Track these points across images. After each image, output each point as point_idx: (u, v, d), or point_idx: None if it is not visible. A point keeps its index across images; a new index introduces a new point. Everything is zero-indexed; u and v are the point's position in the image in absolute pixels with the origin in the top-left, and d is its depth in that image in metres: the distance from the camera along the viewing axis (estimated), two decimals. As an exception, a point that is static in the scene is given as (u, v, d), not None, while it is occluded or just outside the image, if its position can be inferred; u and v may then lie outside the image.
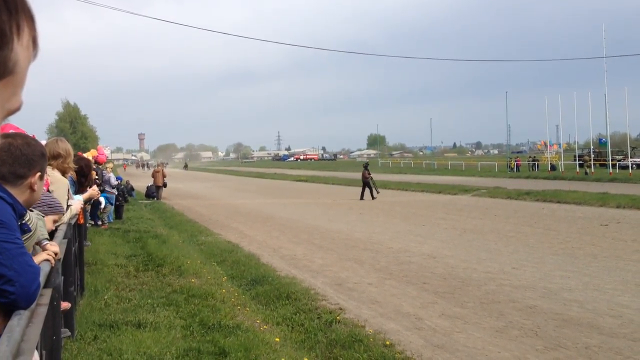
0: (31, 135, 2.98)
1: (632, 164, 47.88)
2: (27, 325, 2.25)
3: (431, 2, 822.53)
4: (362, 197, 29.00)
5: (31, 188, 2.45)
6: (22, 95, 0.79)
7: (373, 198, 28.72)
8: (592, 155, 49.96)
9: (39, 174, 2.47)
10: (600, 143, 56.36)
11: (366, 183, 29.19)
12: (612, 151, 49.98)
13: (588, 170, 47.15)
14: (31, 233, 2.92)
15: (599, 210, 21.61)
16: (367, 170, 29.52)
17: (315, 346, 6.66)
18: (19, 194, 2.38)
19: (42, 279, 2.84)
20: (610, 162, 46.67)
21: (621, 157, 53.80)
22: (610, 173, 43.97)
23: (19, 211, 2.30)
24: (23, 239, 2.41)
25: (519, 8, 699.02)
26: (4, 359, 1.76)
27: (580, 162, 49.48)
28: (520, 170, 59.03)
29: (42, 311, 2.91)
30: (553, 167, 54.26)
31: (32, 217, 3.01)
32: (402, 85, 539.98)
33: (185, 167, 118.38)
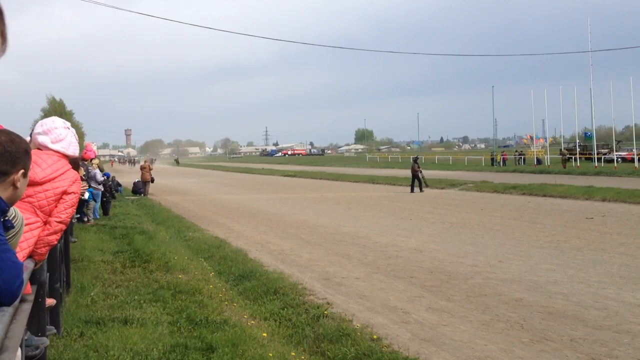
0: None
1: (617, 158, 48.29)
2: (10, 322, 2.24)
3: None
4: (412, 190, 29.71)
5: (14, 185, 2.42)
6: None
7: (421, 190, 29.55)
8: (579, 149, 50.43)
9: (22, 171, 2.44)
10: (586, 137, 56.74)
11: (415, 176, 29.99)
12: (597, 145, 50.38)
13: (566, 164, 48.04)
14: (16, 230, 2.89)
15: (584, 203, 21.78)
16: (417, 163, 30.40)
17: (303, 341, 6.67)
18: (2, 191, 2.36)
19: (26, 275, 2.83)
20: (596, 156, 47.06)
21: (606, 150, 54.27)
22: (595, 166, 44.31)
23: (2, 208, 2.28)
24: (7, 236, 2.39)
25: (506, 3, 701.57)
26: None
27: (560, 155, 50.51)
28: (506, 164, 59.36)
29: (26, 308, 2.90)
30: (539, 161, 54.58)
31: (17, 213, 2.99)
32: (389, 80, 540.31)
33: (177, 162, 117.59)
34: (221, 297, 8.07)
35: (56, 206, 4.31)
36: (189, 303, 7.44)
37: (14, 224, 2.76)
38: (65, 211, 4.38)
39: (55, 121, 4.73)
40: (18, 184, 2.40)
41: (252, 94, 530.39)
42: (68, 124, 4.78)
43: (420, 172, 30.17)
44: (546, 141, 62.87)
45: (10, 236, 2.75)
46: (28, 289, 3.30)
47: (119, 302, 7.44)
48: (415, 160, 31.15)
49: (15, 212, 3.00)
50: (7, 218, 2.42)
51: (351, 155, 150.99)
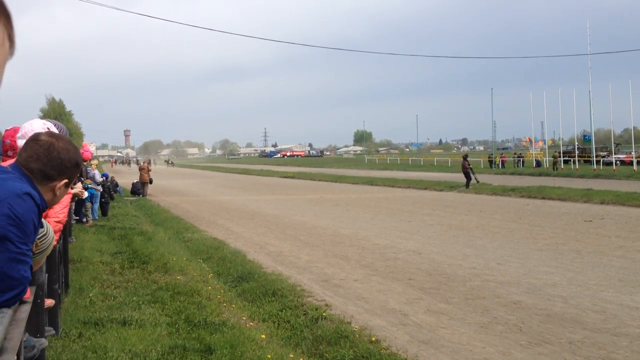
0: None
1: (616, 160, 48.35)
2: (9, 324, 2.24)
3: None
4: (467, 186, 31.06)
5: (53, 191, 2.41)
6: (1, 91, 0.78)
7: (467, 187, 30.89)
8: (577, 152, 50.54)
9: (65, 181, 2.43)
10: (585, 139, 56.79)
11: (466, 173, 31.40)
12: (596, 147, 50.43)
13: (557, 167, 48.51)
14: (45, 246, 2.89)
15: (583, 206, 21.79)
16: (467, 161, 31.94)
17: (301, 342, 6.67)
18: (43, 193, 2.36)
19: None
20: (595, 159, 47.10)
21: (605, 153, 54.34)
22: (594, 169, 44.32)
23: (42, 206, 2.27)
24: (39, 237, 2.41)
25: (506, 6, 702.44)
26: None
27: (552, 158, 51.06)
28: (505, 167, 59.41)
29: (25, 309, 2.89)
30: (538, 164, 54.64)
31: (49, 232, 2.99)
32: (388, 81, 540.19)
33: (171, 164, 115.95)
34: (220, 299, 8.08)
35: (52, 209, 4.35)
36: (187, 304, 7.44)
37: (40, 232, 2.75)
38: (62, 211, 4.46)
39: (34, 124, 4.51)
40: (57, 192, 2.40)
41: (251, 95, 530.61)
42: (48, 124, 4.63)
43: (471, 168, 31.64)
44: (545, 143, 62.85)
45: (38, 251, 2.76)
46: (27, 293, 3.30)
47: (117, 303, 7.44)
48: (465, 157, 32.57)
49: (48, 229, 3.00)
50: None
51: (350, 157, 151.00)
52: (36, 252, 2.70)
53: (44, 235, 2.88)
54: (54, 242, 4.48)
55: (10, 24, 0.73)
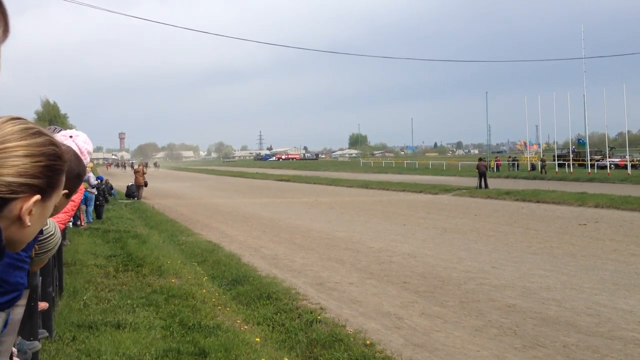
0: None
1: (610, 164, 48.48)
2: (2, 327, 2.23)
3: (414, 3, 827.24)
4: (484, 186, 32.86)
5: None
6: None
7: (484, 187, 32.79)
8: (572, 155, 50.70)
9: (66, 191, 2.40)
10: (579, 143, 56.93)
11: (482, 174, 33.42)
12: (590, 151, 50.59)
13: (544, 171, 49.03)
14: (49, 247, 2.87)
15: (577, 209, 21.85)
16: (484, 163, 35.10)
17: (296, 346, 6.66)
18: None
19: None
20: (589, 162, 47.22)
21: (600, 157, 54.49)
22: (588, 173, 44.43)
23: None
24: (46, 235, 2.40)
25: (500, 10, 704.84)
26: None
27: (540, 162, 51.43)
28: (500, 170, 59.51)
29: (18, 312, 2.88)
30: (533, 167, 54.76)
31: (56, 232, 2.97)
32: (384, 85, 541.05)
33: (157, 166, 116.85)
34: (214, 302, 8.06)
35: None
36: (181, 307, 7.42)
37: (44, 233, 2.73)
38: (64, 218, 4.44)
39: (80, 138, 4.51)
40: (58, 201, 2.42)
41: (247, 98, 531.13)
42: (70, 132, 4.65)
43: (486, 170, 34.01)
44: (540, 147, 63.03)
45: (43, 251, 2.74)
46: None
47: (111, 306, 7.42)
48: (482, 160, 35.63)
49: (55, 229, 2.98)
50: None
51: (345, 160, 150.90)
52: (41, 251, 2.68)
53: (51, 234, 2.87)
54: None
55: (1, 6, 0.73)
